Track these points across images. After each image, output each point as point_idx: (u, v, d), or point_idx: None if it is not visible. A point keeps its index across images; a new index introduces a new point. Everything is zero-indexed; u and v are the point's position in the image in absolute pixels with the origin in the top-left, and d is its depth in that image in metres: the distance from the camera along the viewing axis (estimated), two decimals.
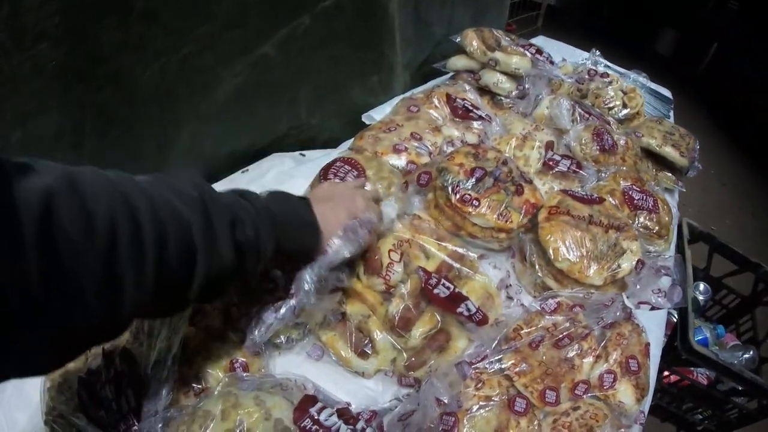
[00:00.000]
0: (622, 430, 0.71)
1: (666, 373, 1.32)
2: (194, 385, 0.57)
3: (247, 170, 0.96)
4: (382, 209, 0.72)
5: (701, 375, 1.36)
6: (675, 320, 1.26)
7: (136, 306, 0.38)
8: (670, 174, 1.24)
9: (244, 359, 0.59)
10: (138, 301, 0.37)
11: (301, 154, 1.03)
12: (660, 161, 1.24)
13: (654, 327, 0.87)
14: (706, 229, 1.39)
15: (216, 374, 0.58)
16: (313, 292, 0.54)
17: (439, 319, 0.65)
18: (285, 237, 0.53)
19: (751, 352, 1.42)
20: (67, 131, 0.68)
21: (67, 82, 0.64)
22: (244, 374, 0.56)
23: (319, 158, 0.98)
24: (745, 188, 2.73)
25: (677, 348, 1.17)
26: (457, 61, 1.21)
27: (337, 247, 0.56)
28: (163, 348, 0.56)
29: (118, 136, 0.74)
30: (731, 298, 1.57)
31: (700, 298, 1.49)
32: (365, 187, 0.77)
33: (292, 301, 0.55)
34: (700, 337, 1.39)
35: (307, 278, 0.54)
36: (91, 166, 0.39)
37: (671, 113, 1.64)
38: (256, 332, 0.56)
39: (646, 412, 0.77)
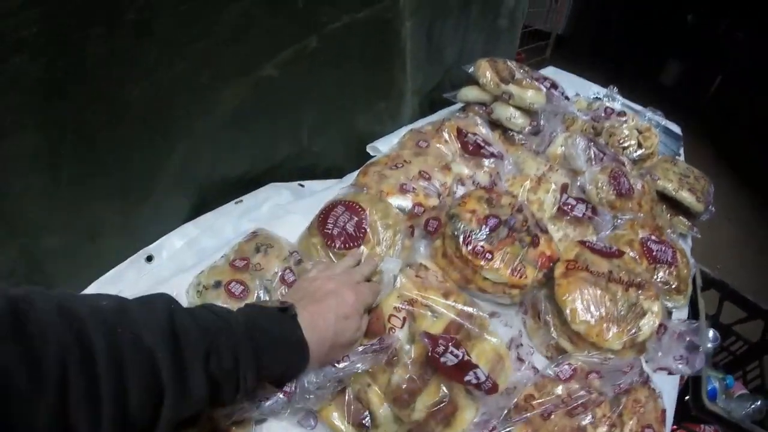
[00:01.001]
0: None
1: (673, 427, 1.26)
2: None
3: (242, 201, 0.89)
4: (383, 268, 0.67)
5: (708, 429, 1.30)
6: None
7: None
8: (684, 219, 1.19)
9: (225, 428, 0.53)
10: None
11: (300, 185, 0.96)
12: (674, 205, 1.19)
13: (668, 388, 0.81)
14: (718, 276, 1.34)
15: None
16: (312, 398, 0.49)
17: (446, 391, 0.58)
18: (268, 362, 0.48)
19: (759, 403, 1.36)
20: (45, 152, 0.61)
21: (45, 99, 0.57)
22: None
23: (319, 192, 0.92)
24: (750, 224, 2.70)
25: (688, 404, 1.11)
26: (469, 92, 1.16)
27: (349, 362, 0.51)
28: None
29: (101, 160, 0.67)
30: (739, 344, 1.52)
31: (709, 345, 1.44)
32: (362, 258, 0.71)
33: (283, 397, 0.49)
34: (709, 388, 1.33)
35: (308, 383, 0.49)
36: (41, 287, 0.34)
37: (681, 150, 1.61)
38: (233, 414, 0.49)
39: None
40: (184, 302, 0.69)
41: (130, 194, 0.75)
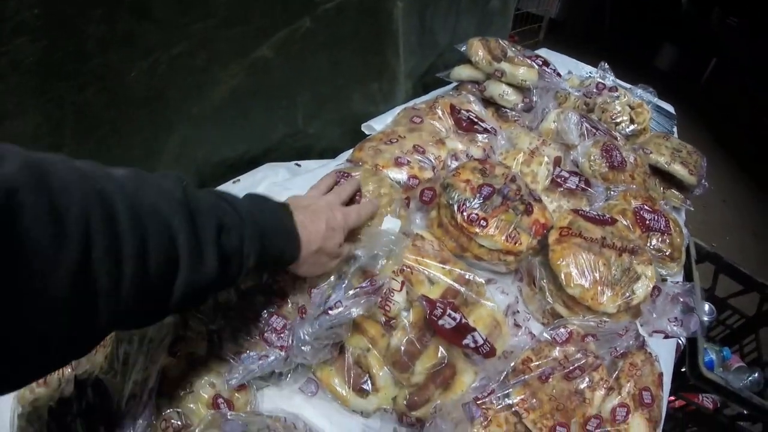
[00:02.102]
0: None
1: (671, 398, 1.28)
2: (173, 421, 0.51)
3: (239, 180, 0.90)
4: (384, 223, 0.68)
5: (707, 399, 1.31)
6: (682, 344, 1.22)
7: (111, 317, 0.34)
8: (677, 192, 1.20)
9: (228, 394, 0.53)
10: (113, 313, 0.34)
11: (297, 165, 0.97)
12: (667, 179, 1.20)
13: (665, 354, 0.82)
14: (712, 249, 1.35)
15: (198, 410, 0.52)
16: (309, 350, 0.49)
17: (444, 353, 0.59)
18: (267, 245, 0.48)
19: (756, 374, 1.38)
20: (46, 133, 0.62)
21: (46, 80, 0.58)
22: (229, 413, 0.50)
23: (315, 169, 0.93)
24: (746, 205, 2.71)
25: (685, 374, 1.12)
26: (462, 71, 1.16)
27: (343, 308, 0.51)
28: (139, 380, 0.50)
29: (102, 140, 0.68)
30: (735, 318, 1.54)
31: (705, 319, 1.44)
32: (360, 191, 0.73)
33: (280, 353, 0.49)
34: (706, 360, 1.34)
35: (304, 334, 0.49)
36: (62, 154, 0.34)
37: (675, 129, 1.62)
38: (234, 375, 0.50)
39: None
40: None
41: None
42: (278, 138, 0.99)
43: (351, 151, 0.92)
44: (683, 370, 1.14)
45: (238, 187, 0.88)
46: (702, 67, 3.71)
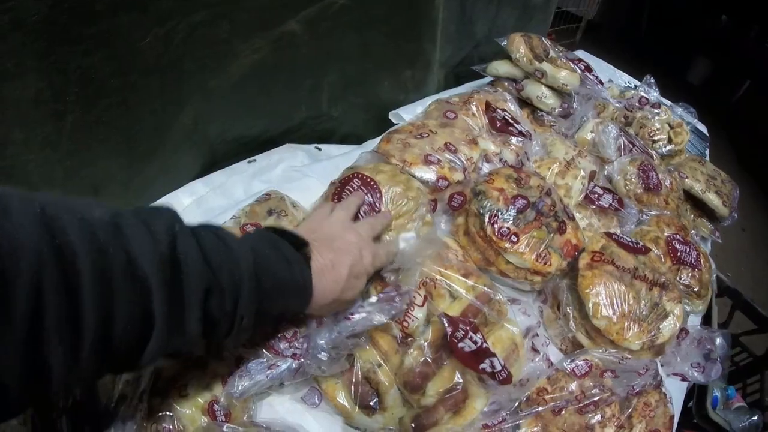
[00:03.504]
0: None
1: None
2: (165, 425, 0.47)
3: (255, 160, 0.84)
4: (401, 242, 0.63)
5: None
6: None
7: (66, 382, 0.30)
8: (707, 222, 1.15)
9: (225, 400, 0.49)
10: (69, 379, 0.30)
11: (317, 148, 0.92)
12: (698, 206, 1.15)
13: (677, 394, 0.79)
14: (732, 284, 1.30)
15: (192, 415, 0.48)
16: (326, 359, 0.44)
17: (460, 378, 0.55)
18: (268, 306, 0.43)
19: (756, 417, 1.34)
20: (48, 98, 0.56)
21: (50, 41, 0.52)
22: (225, 424, 0.46)
23: (336, 156, 0.87)
24: (764, 236, 2.65)
25: (690, 409, 1.09)
26: (500, 67, 1.10)
27: (366, 314, 0.46)
28: (131, 380, 0.46)
29: (108, 110, 0.62)
30: (743, 356, 1.50)
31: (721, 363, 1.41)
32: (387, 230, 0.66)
33: (293, 363, 0.45)
34: (712, 397, 1.31)
35: (321, 343, 0.44)
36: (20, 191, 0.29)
37: (707, 151, 1.56)
38: (238, 386, 0.46)
39: None
40: None
41: (137, 148, 0.71)
42: (300, 119, 0.93)
43: (376, 140, 0.86)
44: (689, 405, 1.11)
45: (254, 167, 0.83)
46: (734, 87, 3.61)
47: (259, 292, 0.41)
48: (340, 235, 0.53)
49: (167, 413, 0.47)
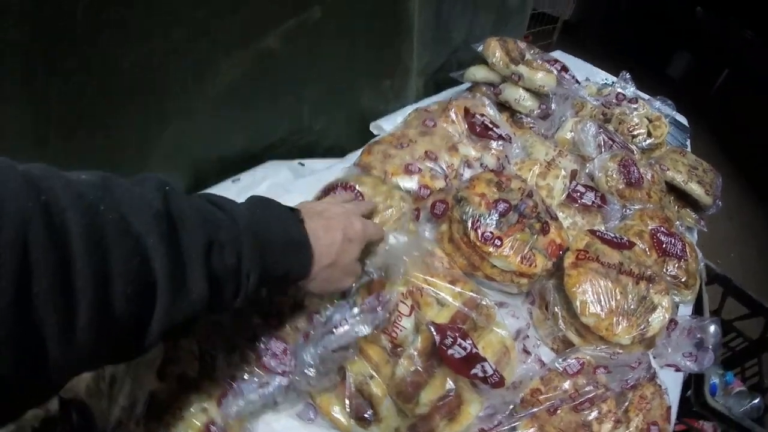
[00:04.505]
0: None
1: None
2: None
3: (239, 179, 0.85)
4: (390, 242, 0.63)
5: (707, 424, 1.29)
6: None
7: (67, 363, 0.27)
8: (692, 212, 1.16)
9: (221, 420, 0.49)
10: (69, 358, 0.27)
11: (300, 164, 0.92)
12: (681, 197, 1.16)
13: (673, 385, 0.79)
14: (721, 271, 1.31)
15: None
16: (314, 375, 0.44)
17: (452, 385, 0.55)
18: (272, 262, 0.41)
19: (757, 400, 1.35)
20: (29, 125, 0.56)
21: (30, 68, 0.53)
22: None
23: (320, 171, 0.88)
24: (752, 223, 2.67)
25: (688, 399, 1.09)
26: (477, 72, 1.11)
27: (349, 326, 0.46)
28: (126, 405, 0.46)
29: (90, 134, 0.62)
30: (739, 341, 1.51)
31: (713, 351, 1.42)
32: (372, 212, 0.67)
33: (283, 380, 0.45)
34: (710, 384, 1.32)
35: (308, 357, 0.44)
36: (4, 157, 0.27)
37: (688, 142, 1.57)
38: (233, 406, 0.45)
39: None
40: None
41: (122, 170, 0.70)
42: (282, 134, 0.94)
43: (358, 151, 0.87)
44: (687, 393, 1.11)
45: (238, 186, 0.83)
46: (713, 77, 3.66)
47: (261, 248, 0.40)
48: (327, 208, 0.53)
49: None
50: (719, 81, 3.68)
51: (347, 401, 0.53)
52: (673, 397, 0.77)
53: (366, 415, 0.54)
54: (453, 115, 0.94)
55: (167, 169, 0.77)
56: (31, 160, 0.57)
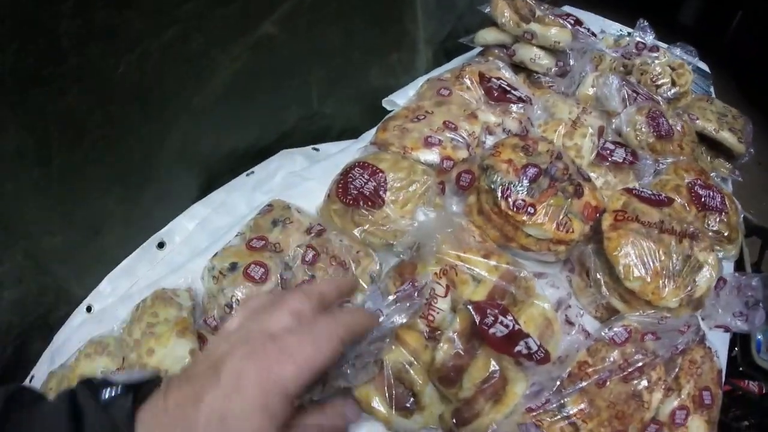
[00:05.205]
0: None
1: None
2: None
3: (253, 172, 0.82)
4: (418, 217, 0.59)
5: (752, 384, 1.25)
6: None
7: None
8: (725, 162, 1.11)
9: None
10: None
11: (314, 149, 0.89)
12: (713, 146, 1.11)
13: (720, 346, 0.75)
14: (760, 223, 1.26)
15: None
16: (351, 371, 0.42)
17: (496, 366, 0.52)
18: None
19: None
20: (30, 148, 0.55)
21: (22, 89, 0.51)
22: None
23: (335, 154, 0.84)
24: None
25: (735, 358, 1.05)
26: (487, 35, 1.06)
27: (385, 316, 0.44)
28: None
29: (93, 147, 0.60)
30: None
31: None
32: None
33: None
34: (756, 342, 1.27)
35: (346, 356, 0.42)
36: None
37: (711, 89, 1.50)
38: None
39: None
40: (201, 289, 0.64)
41: (129, 181, 0.69)
42: (292, 122, 0.91)
43: (373, 130, 0.83)
44: (733, 354, 1.08)
45: (253, 180, 0.81)
46: (728, 21, 3.50)
47: None
48: (230, 352, 0.34)
49: None
50: (734, 24, 3.52)
51: (386, 392, 0.51)
52: (723, 362, 0.74)
53: (407, 405, 0.52)
54: (468, 82, 0.89)
55: (177, 171, 0.76)
56: (34, 181, 0.56)
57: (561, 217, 0.65)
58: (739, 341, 1.05)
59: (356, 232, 0.65)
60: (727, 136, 1.06)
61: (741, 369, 1.05)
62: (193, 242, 0.75)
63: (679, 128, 0.99)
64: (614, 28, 1.61)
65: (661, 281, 0.65)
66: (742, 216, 1.01)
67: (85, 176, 0.62)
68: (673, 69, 1.19)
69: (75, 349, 0.59)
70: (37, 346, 0.69)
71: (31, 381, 0.66)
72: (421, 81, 0.97)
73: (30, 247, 0.62)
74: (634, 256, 0.65)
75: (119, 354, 0.56)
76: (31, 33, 0.48)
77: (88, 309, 0.72)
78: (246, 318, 0.38)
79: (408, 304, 0.48)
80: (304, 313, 0.37)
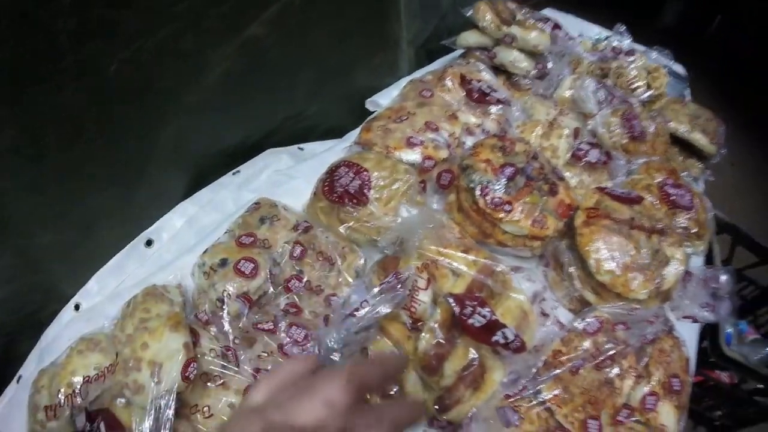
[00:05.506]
0: None
1: None
2: None
3: (239, 171, 0.84)
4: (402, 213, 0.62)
5: (723, 374, 1.30)
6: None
7: None
8: (697, 161, 1.16)
9: None
10: None
11: (299, 148, 0.91)
12: (686, 147, 1.15)
13: (689, 338, 0.79)
14: (730, 220, 1.31)
15: None
16: (339, 358, 0.45)
17: (475, 354, 0.55)
18: None
19: None
20: (26, 144, 0.55)
21: (17, 86, 0.51)
22: None
23: (320, 153, 0.87)
24: (756, 169, 2.66)
25: (705, 350, 1.10)
26: (469, 37, 1.09)
27: (370, 307, 0.46)
28: (154, 410, 0.46)
29: (88, 144, 0.61)
30: (750, 289, 1.52)
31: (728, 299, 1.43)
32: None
33: None
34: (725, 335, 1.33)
35: (331, 341, 0.45)
36: None
37: (687, 92, 1.55)
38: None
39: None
40: (190, 285, 0.66)
41: (123, 177, 0.70)
42: (278, 121, 0.92)
43: (357, 130, 0.85)
44: (703, 345, 1.12)
45: (239, 178, 0.83)
46: (707, 24, 3.60)
47: None
48: None
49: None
50: (713, 27, 3.62)
51: None
52: (690, 350, 0.78)
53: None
54: (449, 83, 0.92)
55: (169, 168, 0.77)
56: (29, 179, 0.57)
57: (536, 214, 0.69)
58: (709, 333, 1.10)
59: (342, 228, 0.68)
60: (698, 138, 1.10)
61: (711, 360, 1.09)
62: (181, 240, 0.76)
63: (652, 130, 1.03)
64: (594, 31, 1.65)
65: (630, 274, 0.69)
66: (713, 214, 1.06)
67: (81, 174, 0.62)
68: (648, 72, 1.23)
69: (64, 347, 0.59)
70: (25, 345, 0.69)
71: (18, 381, 0.66)
72: (404, 82, 1.00)
73: (22, 245, 0.63)
74: (605, 251, 0.69)
75: (111, 350, 0.57)
76: (29, 31, 0.49)
77: (76, 307, 0.72)
78: (272, 397, 0.32)
79: (392, 295, 0.51)
80: (339, 406, 0.31)
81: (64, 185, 0.62)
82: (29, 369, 0.66)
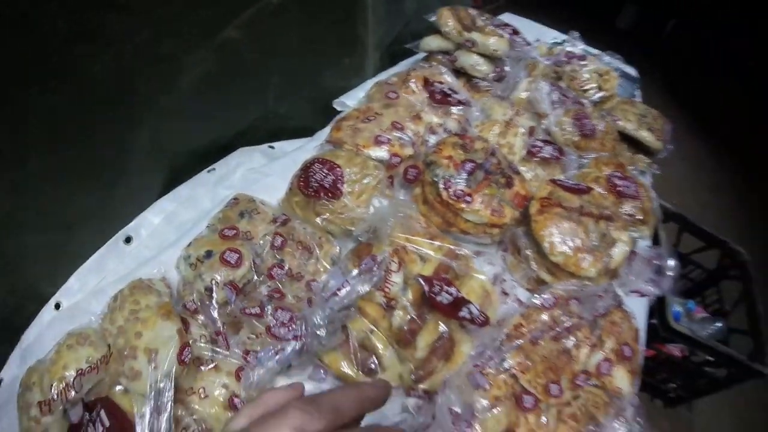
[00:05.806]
0: (620, 413, 0.71)
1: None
2: (192, 429, 0.51)
3: (214, 169, 0.87)
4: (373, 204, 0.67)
5: (675, 348, 1.40)
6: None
7: None
8: (644, 157, 1.25)
9: (245, 394, 0.53)
10: None
11: (270, 147, 0.95)
12: (634, 144, 1.24)
13: (640, 311, 0.87)
14: (677, 209, 1.41)
15: (216, 413, 0.53)
16: (324, 334, 0.49)
17: (444, 327, 0.61)
18: None
19: (720, 324, 1.47)
20: (7, 146, 0.56)
21: (4, 87, 0.53)
22: None
23: (291, 152, 0.91)
24: (703, 163, 2.84)
25: (656, 326, 1.19)
26: (432, 42, 1.15)
27: (350, 287, 0.51)
28: (153, 395, 0.49)
29: (70, 145, 0.63)
30: (698, 272, 1.63)
31: (670, 274, 1.53)
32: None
33: (296, 344, 0.50)
34: (673, 312, 1.43)
35: (318, 319, 0.49)
36: None
37: (637, 92, 1.66)
38: (254, 376, 0.50)
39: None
40: (175, 278, 0.68)
41: (102, 176, 0.71)
42: (250, 121, 0.96)
43: (326, 129, 0.90)
44: (653, 322, 1.21)
45: (215, 176, 0.86)
46: (661, 28, 3.80)
47: None
48: None
49: (193, 417, 0.50)
50: (667, 31, 3.82)
51: (353, 356, 0.59)
52: (641, 325, 0.85)
53: (372, 366, 0.59)
54: (413, 86, 0.98)
55: (145, 168, 0.79)
56: (11, 180, 0.58)
57: (495, 204, 0.75)
58: (657, 311, 1.19)
59: (318, 220, 0.72)
60: (645, 135, 1.20)
61: (662, 335, 1.18)
62: (160, 236, 0.79)
63: (601, 128, 1.11)
64: (550, 35, 1.75)
65: (581, 255, 0.76)
66: (658, 203, 1.15)
67: (62, 175, 0.64)
68: (600, 75, 1.32)
69: (48, 345, 0.58)
70: (1, 349, 0.68)
71: (0, 384, 0.65)
72: (369, 83, 1.05)
73: (2, 247, 0.63)
74: (558, 235, 0.76)
75: (102, 343, 0.57)
76: (16, 32, 0.51)
77: (57, 306, 0.72)
78: (250, 425, 0.31)
79: (369, 276, 0.56)
80: None
81: (46, 186, 0.63)
82: (11, 371, 0.66)
